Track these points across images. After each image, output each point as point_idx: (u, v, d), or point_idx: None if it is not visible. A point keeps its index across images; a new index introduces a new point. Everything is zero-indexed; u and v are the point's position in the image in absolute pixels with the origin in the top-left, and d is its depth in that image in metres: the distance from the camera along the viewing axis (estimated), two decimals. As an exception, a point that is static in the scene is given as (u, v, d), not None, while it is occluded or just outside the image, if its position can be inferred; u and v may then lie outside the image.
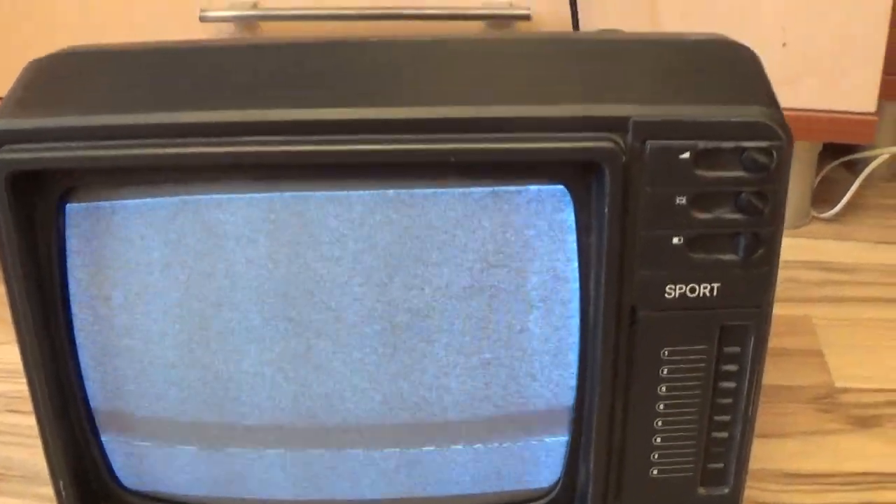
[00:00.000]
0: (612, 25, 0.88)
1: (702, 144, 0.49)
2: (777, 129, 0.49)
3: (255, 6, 0.89)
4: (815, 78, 0.91)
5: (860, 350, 0.84)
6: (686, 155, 0.49)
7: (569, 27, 0.87)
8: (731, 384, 0.55)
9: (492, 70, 0.52)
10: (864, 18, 0.88)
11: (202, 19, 0.88)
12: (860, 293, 0.93)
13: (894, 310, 0.90)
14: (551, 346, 0.54)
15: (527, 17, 0.87)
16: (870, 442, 0.74)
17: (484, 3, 0.88)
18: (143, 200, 0.51)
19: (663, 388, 0.54)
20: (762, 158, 0.49)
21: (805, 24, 0.89)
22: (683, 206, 0.50)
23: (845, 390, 0.79)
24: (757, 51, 0.53)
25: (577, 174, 0.50)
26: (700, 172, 0.49)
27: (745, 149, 0.49)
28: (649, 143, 0.48)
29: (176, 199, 0.51)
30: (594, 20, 0.88)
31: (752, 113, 0.49)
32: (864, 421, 0.76)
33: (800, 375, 0.81)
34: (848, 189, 1.04)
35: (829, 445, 0.74)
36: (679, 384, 0.54)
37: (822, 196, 1.06)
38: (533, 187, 0.51)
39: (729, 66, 0.52)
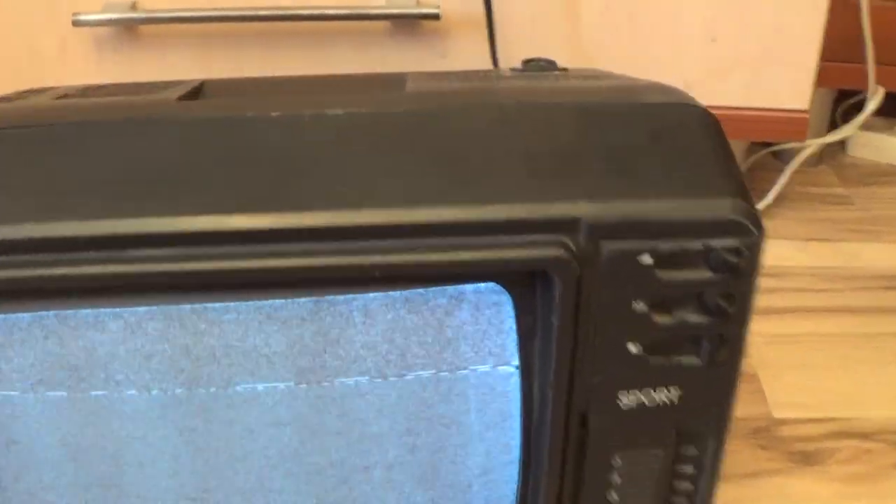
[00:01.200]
0: (529, 26, 0.81)
1: (664, 245, 0.42)
2: (750, 225, 0.42)
3: (133, 7, 0.79)
4: (746, 74, 0.85)
5: (796, 372, 0.80)
6: (646, 257, 0.42)
7: (482, 29, 0.79)
8: (687, 485, 0.49)
9: (411, 151, 0.44)
10: (798, 10, 0.83)
11: (76, 24, 0.77)
12: (793, 303, 0.88)
13: (828, 321, 0.86)
14: (490, 455, 0.48)
15: (435, 17, 0.79)
16: (813, 483, 0.70)
17: (388, 2, 0.79)
18: (8, 316, 0.43)
19: (614, 495, 0.49)
20: (732, 258, 0.42)
21: (736, 17, 0.83)
22: (642, 310, 0.43)
23: (784, 422, 0.75)
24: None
25: (518, 275, 0.43)
26: (661, 275, 0.42)
27: (712, 248, 0.42)
28: (605, 246, 0.42)
29: (47, 314, 0.42)
30: (510, 19, 0.81)
31: (721, 207, 0.42)
32: (806, 457, 0.72)
33: (736, 405, 0.76)
34: (776, 177, 1.00)
35: (770, 488, 0.69)
36: (631, 489, 0.49)
37: (749, 186, 1.02)
38: (468, 286, 0.43)
39: (689, 140, 0.45)
